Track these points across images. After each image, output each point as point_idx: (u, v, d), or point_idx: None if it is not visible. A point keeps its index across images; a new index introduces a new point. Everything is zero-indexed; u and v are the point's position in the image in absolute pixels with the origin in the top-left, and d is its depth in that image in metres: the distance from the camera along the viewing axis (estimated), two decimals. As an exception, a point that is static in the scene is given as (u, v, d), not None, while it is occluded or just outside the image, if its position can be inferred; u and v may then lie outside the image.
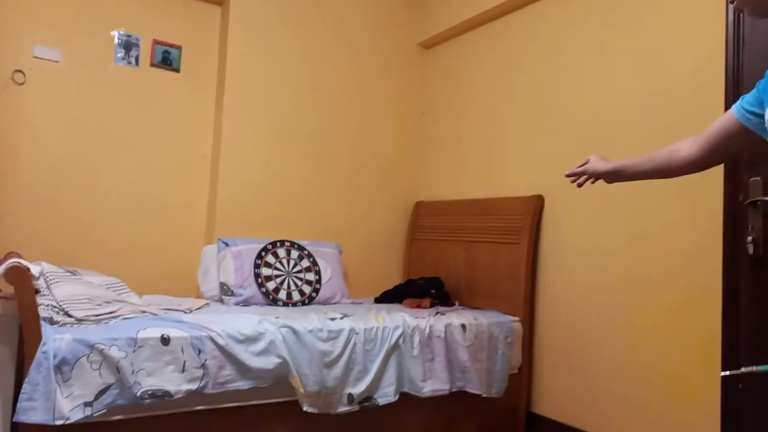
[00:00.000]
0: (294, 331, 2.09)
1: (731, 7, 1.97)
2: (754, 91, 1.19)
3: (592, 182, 1.62)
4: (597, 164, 1.57)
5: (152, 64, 2.94)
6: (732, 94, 1.96)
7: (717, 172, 2.02)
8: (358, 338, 2.22)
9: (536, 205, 2.76)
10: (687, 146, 1.34)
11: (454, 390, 2.42)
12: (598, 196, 2.50)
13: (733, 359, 1.93)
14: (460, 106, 3.39)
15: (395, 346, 2.29)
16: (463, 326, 2.49)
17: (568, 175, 1.66)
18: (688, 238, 2.15)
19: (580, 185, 1.64)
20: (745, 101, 1.21)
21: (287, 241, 2.98)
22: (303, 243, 3.04)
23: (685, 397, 2.12)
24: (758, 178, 1.86)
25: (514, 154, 2.98)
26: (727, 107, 1.94)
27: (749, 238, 1.86)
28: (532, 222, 2.74)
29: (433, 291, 3.03)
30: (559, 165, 2.70)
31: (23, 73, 2.65)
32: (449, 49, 3.53)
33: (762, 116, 1.16)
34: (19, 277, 1.72)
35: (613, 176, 1.54)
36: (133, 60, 2.88)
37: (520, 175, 2.93)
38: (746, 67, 1.94)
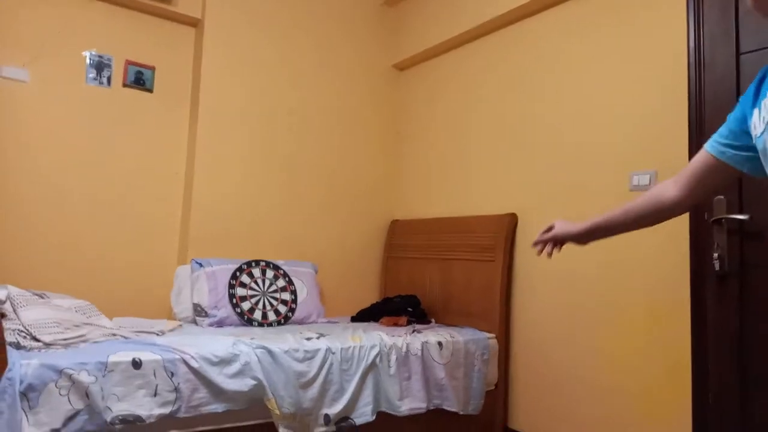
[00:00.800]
0: (269, 352, 2.07)
1: (692, 32, 2.06)
2: (725, 124, 1.16)
3: (559, 250, 1.53)
4: (565, 227, 1.49)
5: (125, 84, 2.92)
6: (695, 116, 2.04)
7: (682, 190, 2.08)
8: (334, 358, 2.20)
9: (509, 222, 2.80)
10: (670, 188, 1.26)
11: (432, 408, 2.42)
12: (569, 214, 2.55)
13: (702, 374, 1.98)
14: (434, 126, 3.44)
15: (372, 365, 2.29)
16: (440, 344, 2.49)
17: (535, 244, 1.56)
18: (657, 258, 2.20)
19: (549, 255, 1.54)
20: (718, 135, 1.17)
21: (262, 260, 2.96)
22: (278, 262, 3.02)
23: (656, 415, 2.15)
24: (722, 197, 1.92)
25: (487, 172, 3.03)
26: (691, 129, 2.03)
27: (715, 255, 1.93)
28: (506, 240, 2.78)
29: (409, 309, 3.04)
30: (532, 184, 2.76)
31: (-8, 91, 2.61)
32: (423, 71, 3.59)
33: (739, 147, 1.12)
34: (-15, 301, 1.67)
35: (586, 237, 1.45)
36: (105, 80, 2.86)
37: (493, 193, 2.98)
38: (707, 89, 2.02)
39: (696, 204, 1.32)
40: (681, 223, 2.09)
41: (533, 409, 2.63)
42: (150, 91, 3.00)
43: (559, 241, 1.52)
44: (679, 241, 2.10)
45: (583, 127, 2.54)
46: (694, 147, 2.04)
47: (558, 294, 2.56)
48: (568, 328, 2.50)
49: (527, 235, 2.75)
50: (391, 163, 3.72)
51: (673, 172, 2.11)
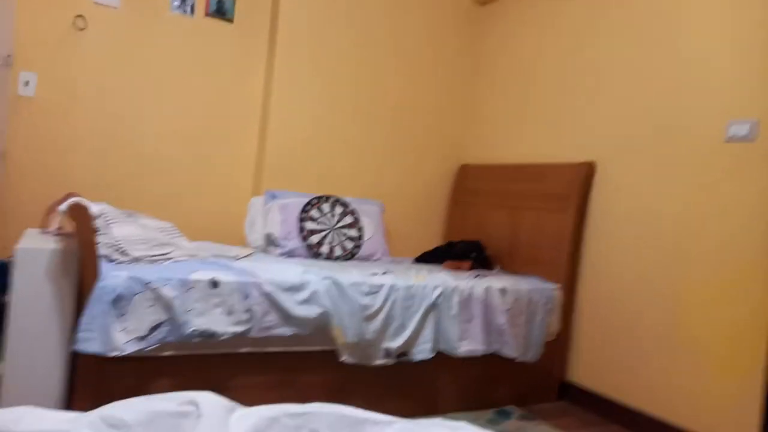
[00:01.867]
0: (337, 284, 2.14)
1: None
2: None
3: None
4: None
5: (207, 14, 2.96)
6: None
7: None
8: (398, 295, 2.25)
9: (587, 172, 2.69)
10: None
11: (490, 352, 2.44)
12: (654, 164, 2.43)
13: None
14: (512, 66, 3.30)
15: (434, 305, 2.32)
16: (503, 290, 2.49)
17: None
18: (744, 216, 2.07)
19: None
20: None
21: (332, 196, 3.02)
22: (347, 199, 3.07)
23: (727, 374, 2.08)
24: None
25: (565, 117, 2.90)
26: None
27: (814, 217, 1.78)
28: (580, 190, 2.68)
29: (473, 254, 3.03)
30: (614, 131, 2.62)
31: (84, 18, 2.71)
32: (505, 7, 3.42)
33: None
34: (81, 214, 1.80)
35: None
36: (189, 9, 2.91)
37: (571, 140, 2.86)
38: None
39: None
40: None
41: (594, 362, 2.61)
42: (231, 21, 3.03)
43: None
44: (773, 203, 1.96)
45: (674, 69, 2.36)
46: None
47: (635, 245, 2.47)
48: (643, 277, 2.42)
49: (606, 185, 2.64)
50: (465, 105, 3.63)
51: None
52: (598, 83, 2.73)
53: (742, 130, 2.07)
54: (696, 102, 2.27)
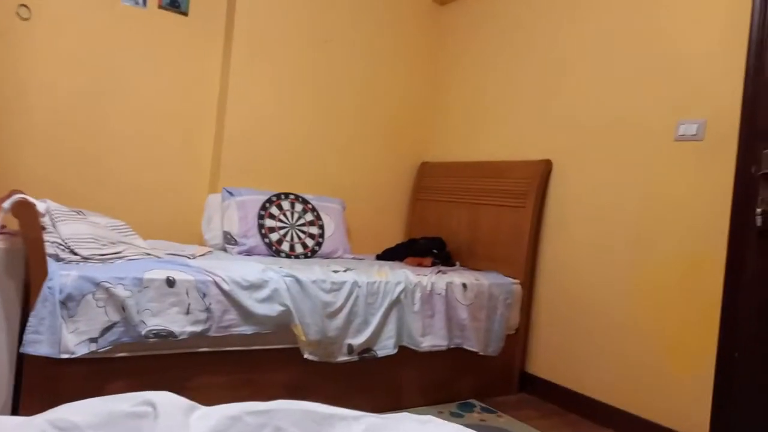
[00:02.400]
0: (298, 281, 2.11)
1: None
2: None
3: None
4: None
5: (160, 6, 2.87)
6: (754, 61, 1.92)
7: (731, 143, 2.01)
8: (360, 291, 2.24)
9: (544, 169, 2.74)
10: None
11: (452, 346, 2.46)
12: (607, 162, 2.49)
13: (729, 329, 1.96)
14: (470, 66, 3.33)
15: (397, 301, 2.32)
16: (464, 285, 2.51)
17: None
18: (697, 206, 2.15)
19: None
20: None
21: (292, 194, 2.97)
22: (307, 197, 3.03)
23: (681, 361, 2.16)
24: (773, 150, 1.84)
25: (522, 116, 2.95)
26: (748, 75, 1.92)
27: (758, 210, 1.86)
28: (538, 187, 2.73)
29: (435, 251, 3.05)
30: (570, 129, 2.68)
31: (28, 8, 2.58)
32: (465, 6, 3.45)
33: None
34: (26, 211, 1.71)
35: None
36: (141, 1, 2.81)
37: (528, 138, 2.91)
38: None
39: None
40: (725, 174, 2.03)
41: (552, 355, 2.67)
42: (185, 14, 2.94)
43: None
44: (722, 191, 2.05)
45: (626, 70, 2.43)
46: (749, 95, 1.93)
47: (591, 238, 2.54)
48: (598, 271, 2.49)
49: (562, 181, 2.70)
50: (425, 103, 3.64)
51: (722, 121, 2.05)
52: (554, 83, 2.79)
53: (690, 129, 2.15)
54: (647, 102, 2.35)
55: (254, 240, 2.75)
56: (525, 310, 2.73)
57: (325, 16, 3.22)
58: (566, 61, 2.74)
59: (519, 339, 2.73)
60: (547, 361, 2.70)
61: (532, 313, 2.78)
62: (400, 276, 2.39)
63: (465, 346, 2.49)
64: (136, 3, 2.80)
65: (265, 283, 2.04)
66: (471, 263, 3.02)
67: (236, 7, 2.95)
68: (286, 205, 2.92)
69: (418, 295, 2.38)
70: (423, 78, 3.62)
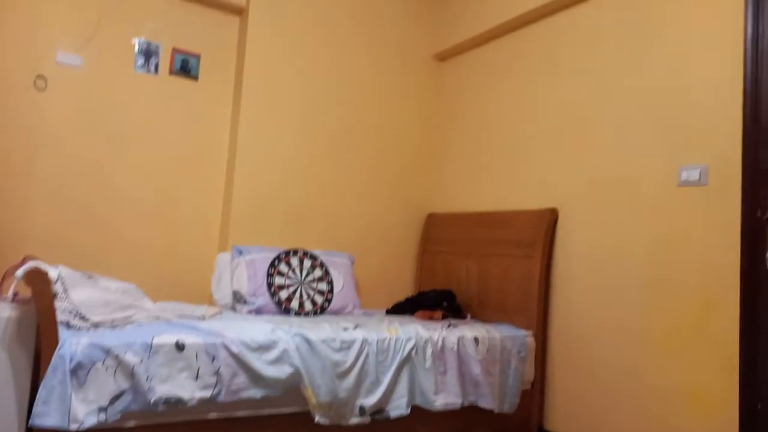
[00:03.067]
0: (307, 341, 2.09)
1: (750, 21, 1.97)
2: None
3: None
4: None
5: (171, 72, 2.98)
6: (750, 109, 1.95)
7: (734, 187, 2.01)
8: (370, 349, 2.21)
9: (550, 218, 2.75)
10: None
11: (466, 404, 2.40)
12: (613, 208, 2.49)
13: (751, 379, 1.91)
14: (474, 118, 3.40)
15: (408, 358, 2.28)
16: (476, 339, 2.47)
17: None
18: (706, 251, 2.13)
19: None
20: None
21: (300, 250, 2.99)
22: (316, 252, 3.05)
23: (702, 413, 2.09)
24: (778, 196, 1.84)
25: (527, 166, 2.98)
26: (746, 123, 1.94)
27: (768, 255, 1.85)
28: (545, 235, 2.73)
29: (445, 303, 3.02)
30: (575, 177, 2.70)
31: (45, 79, 2.69)
32: (465, 62, 3.55)
33: None
34: (38, 280, 1.73)
35: None
36: (152, 68, 2.92)
37: (534, 187, 2.93)
38: (765, 81, 1.93)
39: None
40: (731, 217, 2.02)
41: (571, 409, 2.59)
42: (195, 78, 3.05)
43: None
44: (729, 234, 2.04)
45: (630, 119, 2.47)
46: (748, 142, 1.95)
47: (601, 286, 2.51)
48: (611, 322, 2.45)
49: (569, 229, 2.69)
50: (430, 156, 3.70)
51: (724, 166, 2.06)
52: (556, 131, 2.83)
53: (693, 175, 2.17)
54: (649, 149, 2.37)
55: (264, 298, 2.74)
56: (540, 363, 2.68)
57: (329, 77, 3.31)
58: (567, 110, 2.79)
59: (535, 394, 2.66)
60: (565, 415, 2.62)
61: (547, 366, 2.72)
62: (411, 332, 2.37)
63: (480, 404, 2.43)
64: (148, 71, 2.91)
65: (274, 343, 2.03)
66: (482, 315, 2.99)
67: (244, 71, 3.05)
68: (294, 261, 2.93)
69: (429, 351, 2.34)
70: (427, 131, 3.69)
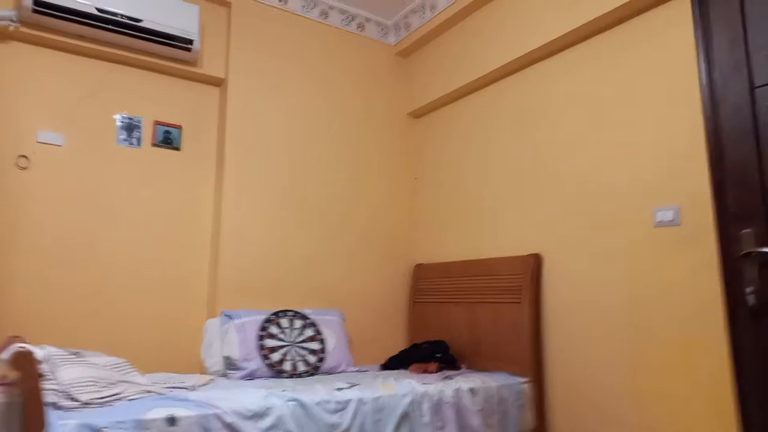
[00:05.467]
0: (301, 405, 2.06)
1: (703, 70, 2.10)
2: None
3: None
4: None
5: (153, 144, 3.03)
6: (714, 152, 2.05)
7: (708, 226, 2.08)
8: (366, 408, 2.18)
9: (534, 263, 2.79)
10: None
11: (467, 458, 2.36)
12: (593, 252, 2.54)
13: (747, 418, 1.92)
14: (453, 170, 3.48)
15: (405, 415, 2.26)
16: (473, 390, 2.46)
17: None
18: (686, 289, 2.17)
19: None
20: None
21: (290, 310, 2.98)
22: (306, 312, 3.04)
23: (702, 453, 2.08)
24: (749, 230, 1.91)
25: (508, 214, 3.04)
26: (712, 164, 2.03)
27: (748, 289, 1.90)
28: (531, 280, 2.76)
29: (438, 355, 3.00)
30: (554, 223, 2.76)
31: (27, 158, 2.72)
32: (438, 117, 3.67)
33: None
34: (25, 362, 1.71)
35: None
36: (135, 141, 2.98)
37: (515, 234, 2.98)
38: (724, 124, 2.03)
39: None
40: (709, 256, 2.07)
41: (572, 455, 2.56)
42: (177, 149, 3.11)
43: None
44: (707, 273, 2.08)
45: (603, 165, 2.56)
46: (716, 182, 2.04)
47: (588, 332, 2.52)
48: (602, 367, 2.45)
49: (553, 274, 2.73)
50: (412, 209, 3.76)
51: (696, 206, 2.14)
52: (532, 178, 2.91)
53: (667, 215, 2.23)
54: (624, 193, 2.44)
55: (255, 363, 2.71)
56: (539, 410, 2.66)
57: (309, 140, 3.40)
58: (540, 158, 2.88)
59: (535, 441, 2.63)
60: (567, 462, 2.58)
61: (546, 413, 2.69)
62: (406, 387, 2.35)
63: (480, 456, 2.39)
64: (131, 144, 2.97)
65: (268, 410, 2.00)
66: (476, 364, 2.97)
67: (226, 140, 3.12)
68: (285, 322, 2.91)
69: (426, 406, 2.32)
70: (407, 185, 3.77)
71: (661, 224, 2.26)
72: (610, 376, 2.42)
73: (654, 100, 2.37)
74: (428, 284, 3.45)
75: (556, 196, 2.77)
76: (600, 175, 2.57)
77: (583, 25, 2.61)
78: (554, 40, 2.76)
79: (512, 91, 3.11)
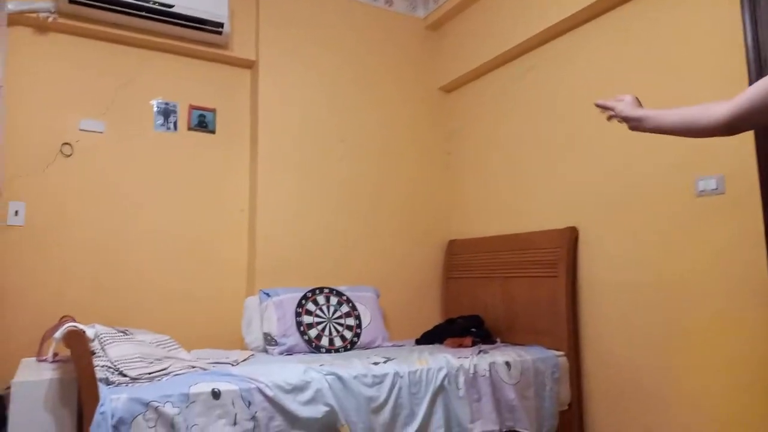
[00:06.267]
0: (339, 378, 2.11)
1: (749, 31, 2.00)
2: None
3: (619, 122, 1.54)
4: (626, 107, 1.49)
5: (189, 128, 3.10)
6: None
7: (753, 194, 2.01)
8: (402, 382, 2.22)
9: (570, 236, 2.75)
10: (722, 106, 1.23)
11: (504, 430, 2.38)
12: (632, 223, 2.49)
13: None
14: (486, 144, 3.44)
15: (441, 388, 2.29)
16: (508, 364, 2.46)
17: (597, 105, 1.60)
18: (732, 263, 2.11)
19: (608, 119, 1.58)
20: None
21: (326, 287, 3.03)
22: (341, 288, 3.09)
23: (742, 427, 2.04)
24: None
25: (544, 187, 3.00)
26: (757, 131, 1.95)
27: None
28: (568, 254, 2.73)
29: (473, 329, 3.02)
30: (592, 195, 2.71)
31: (71, 146, 2.82)
32: (470, 91, 3.62)
33: None
34: (76, 340, 1.80)
35: (636, 123, 1.46)
36: (171, 125, 3.05)
37: (552, 207, 2.94)
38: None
39: (737, 131, 1.24)
40: (754, 224, 2.01)
41: (611, 427, 2.55)
42: (213, 132, 3.17)
43: (616, 115, 1.53)
44: (754, 244, 2.02)
45: (641, 134, 2.48)
46: (762, 147, 1.96)
47: (627, 302, 2.49)
48: (641, 338, 2.42)
49: (590, 247, 2.69)
50: (446, 184, 3.74)
51: (741, 175, 2.06)
52: (569, 150, 2.86)
53: (710, 184, 2.16)
54: (665, 162, 2.37)
55: (294, 338, 2.78)
56: (575, 383, 2.65)
57: (340, 117, 3.41)
58: (577, 128, 2.82)
59: (573, 414, 2.62)
60: (605, 435, 2.57)
61: (583, 386, 2.69)
62: (442, 361, 2.37)
63: (518, 428, 2.41)
64: (168, 129, 3.04)
65: (307, 384, 2.05)
66: (511, 338, 2.97)
67: (258, 120, 3.16)
68: (321, 299, 2.97)
69: (462, 379, 2.34)
70: (440, 160, 3.75)
71: (703, 193, 2.19)
72: (647, 349, 2.39)
73: (696, 64, 2.28)
74: (462, 260, 3.45)
75: (593, 168, 2.72)
76: (639, 145, 2.50)
77: (619, -11, 2.52)
78: (588, 5, 2.67)
79: (545, 62, 3.03)
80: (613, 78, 2.64)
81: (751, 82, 1.99)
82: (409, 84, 3.69)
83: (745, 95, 1.18)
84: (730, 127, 1.23)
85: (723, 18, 2.17)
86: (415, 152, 3.66)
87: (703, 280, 2.20)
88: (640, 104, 1.50)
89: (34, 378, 1.80)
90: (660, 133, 1.40)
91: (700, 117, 1.27)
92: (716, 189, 2.14)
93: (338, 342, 2.86)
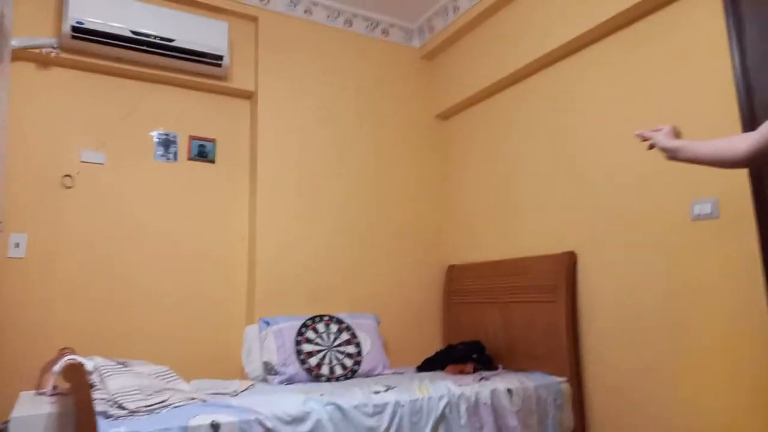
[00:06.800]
0: (339, 408, 2.10)
1: (736, 58, 2.04)
2: None
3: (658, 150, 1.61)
4: (663, 137, 1.57)
5: (189, 158, 3.13)
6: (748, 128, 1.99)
7: (748, 218, 2.02)
8: (403, 411, 2.20)
9: (569, 261, 2.76)
10: (742, 141, 1.33)
11: (507, 459, 2.35)
12: (629, 247, 2.50)
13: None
14: (484, 170, 3.47)
15: (442, 417, 2.27)
16: (510, 391, 2.45)
17: (638, 135, 1.67)
18: (728, 286, 2.11)
19: (648, 149, 1.65)
20: None
21: (326, 315, 3.03)
22: (341, 316, 3.08)
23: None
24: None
25: (541, 212, 3.02)
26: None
27: (792, 281, 1.84)
28: (566, 279, 2.73)
29: (474, 355, 3.00)
30: (589, 219, 2.73)
31: (71, 177, 2.85)
32: (465, 119, 3.67)
33: None
34: (76, 374, 1.79)
35: (672, 153, 1.54)
36: (171, 156, 3.08)
37: (549, 232, 2.95)
38: (759, 113, 1.97)
39: (758, 164, 1.36)
40: (749, 248, 2.02)
41: (614, 455, 2.52)
42: (212, 162, 3.20)
43: (654, 145, 1.61)
44: (750, 268, 2.02)
45: (637, 159, 2.51)
46: (755, 171, 1.98)
47: (626, 329, 2.48)
48: (641, 365, 2.40)
49: (588, 272, 2.70)
50: (444, 210, 3.76)
51: (735, 198, 2.08)
52: (564, 175, 2.88)
53: (705, 208, 2.18)
54: (661, 186, 2.39)
55: (294, 367, 2.76)
56: (578, 410, 2.63)
57: (339, 146, 3.45)
58: (573, 153, 2.85)
59: (576, 441, 2.60)
60: (610, 462, 2.54)
61: (585, 412, 2.66)
62: (443, 389, 2.36)
63: (520, 457, 2.38)
64: (168, 159, 3.07)
65: (307, 415, 2.04)
66: (512, 363, 2.96)
67: (258, 150, 3.20)
68: (321, 327, 2.96)
69: (463, 407, 2.32)
70: (438, 187, 3.78)
71: (699, 217, 2.21)
72: (649, 374, 2.37)
73: (687, 91, 2.32)
74: (462, 285, 3.45)
75: (589, 193, 2.74)
76: (634, 169, 2.52)
77: (610, 18, 2.57)
78: (580, 35, 2.72)
79: (539, 89, 3.08)
80: (606, 105, 2.68)
81: (739, 107, 2.02)
82: (406, 112, 3.74)
83: (760, 132, 1.28)
84: (749, 161, 1.32)
85: (712, 47, 2.21)
86: (413, 179, 3.69)
87: (701, 305, 2.20)
88: (677, 134, 1.59)
89: (33, 412, 1.78)
90: (694, 163, 1.49)
91: (726, 151, 1.36)
92: (710, 213, 2.16)
93: (339, 370, 2.84)
